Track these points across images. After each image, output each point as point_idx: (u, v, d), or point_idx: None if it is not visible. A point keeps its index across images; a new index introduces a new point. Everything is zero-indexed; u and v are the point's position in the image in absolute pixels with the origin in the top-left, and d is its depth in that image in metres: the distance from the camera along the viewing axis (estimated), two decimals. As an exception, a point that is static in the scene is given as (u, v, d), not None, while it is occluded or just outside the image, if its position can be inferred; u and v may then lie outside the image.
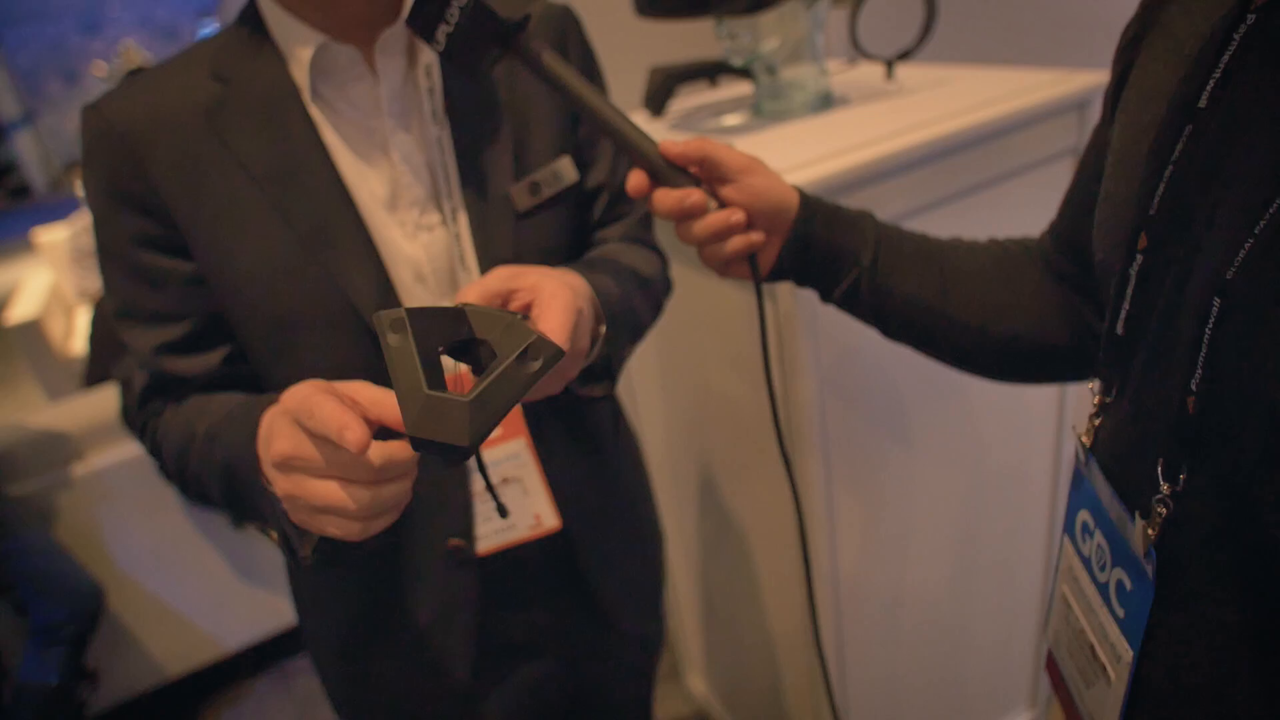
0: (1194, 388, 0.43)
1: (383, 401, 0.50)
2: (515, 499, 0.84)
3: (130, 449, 2.01)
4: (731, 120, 1.23)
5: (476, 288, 0.60)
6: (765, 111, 1.20)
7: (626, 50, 1.34)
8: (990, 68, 1.29)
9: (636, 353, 0.83)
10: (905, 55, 1.19)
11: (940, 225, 0.81)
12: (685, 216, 0.67)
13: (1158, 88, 0.53)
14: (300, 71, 0.73)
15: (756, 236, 0.69)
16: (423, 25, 0.63)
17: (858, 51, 1.16)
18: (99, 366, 2.56)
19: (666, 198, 0.66)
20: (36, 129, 12.85)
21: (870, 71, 1.35)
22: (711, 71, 1.29)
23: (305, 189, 0.73)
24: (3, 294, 4.28)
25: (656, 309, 0.86)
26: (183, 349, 0.75)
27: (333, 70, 0.74)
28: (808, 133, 1.11)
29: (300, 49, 0.72)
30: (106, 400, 2.07)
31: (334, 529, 0.52)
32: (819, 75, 1.17)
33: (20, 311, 3.65)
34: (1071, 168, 1.22)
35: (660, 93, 1.25)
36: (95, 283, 3.71)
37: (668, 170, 0.66)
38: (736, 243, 0.68)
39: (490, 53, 0.64)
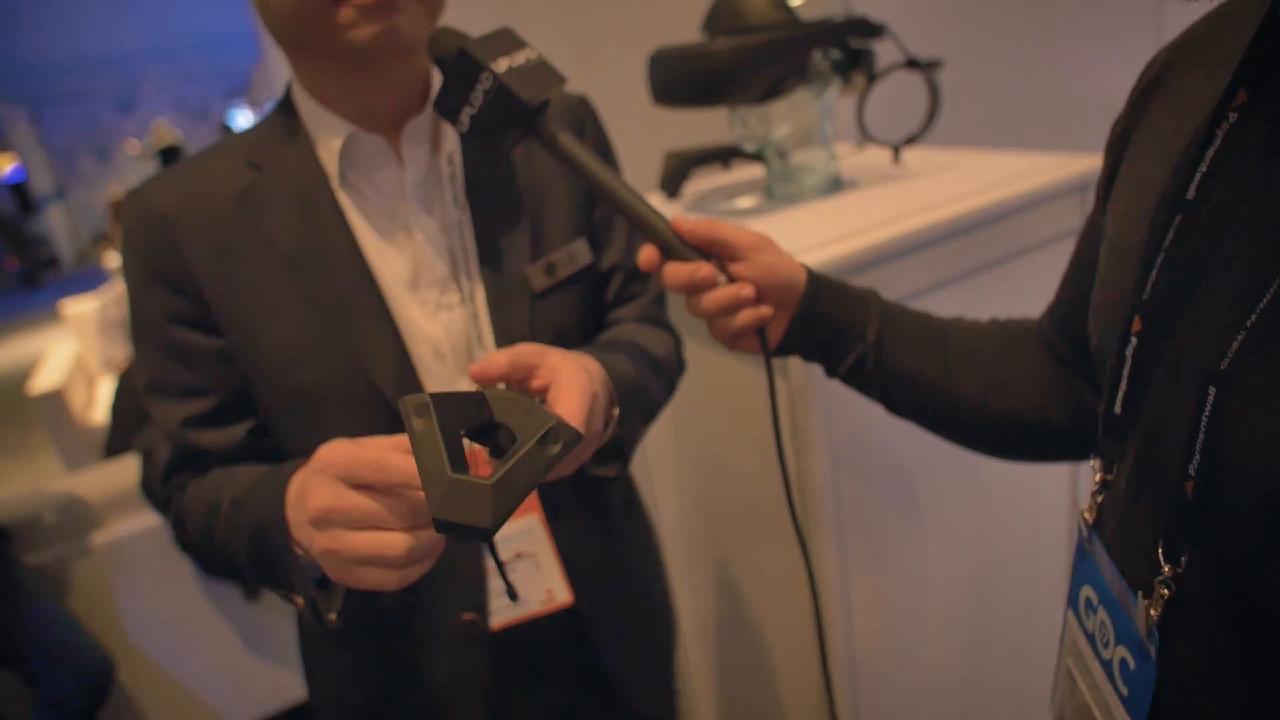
0: (1192, 473, 0.44)
1: (409, 469, 0.52)
2: (528, 574, 0.85)
3: (148, 520, 2.03)
4: (745, 202, 1.27)
5: (508, 354, 0.62)
6: (777, 194, 1.24)
7: (643, 136, 1.39)
8: (992, 152, 1.33)
9: (650, 429, 0.85)
10: (911, 140, 1.23)
11: (947, 305, 0.84)
12: (695, 290, 0.69)
13: (1147, 180, 0.56)
14: (330, 159, 0.77)
15: (765, 310, 0.71)
16: (448, 107, 0.66)
17: (865, 137, 1.21)
18: (120, 437, 2.59)
19: (677, 271, 0.68)
20: (67, 203, 13.27)
21: (877, 155, 1.39)
22: (724, 156, 1.34)
23: (330, 269, 0.76)
24: (28, 363, 4.35)
25: (670, 389, 0.88)
26: (209, 423, 0.78)
27: (361, 157, 0.78)
28: (819, 215, 1.15)
29: (331, 138, 0.77)
30: (126, 470, 2.09)
31: (374, 579, 0.53)
32: (829, 160, 1.22)
33: (44, 381, 3.72)
34: (1072, 251, 1.25)
35: (676, 176, 1.30)
36: (120, 353, 3.78)
37: (679, 245, 0.68)
38: (746, 316, 0.70)
39: (511, 134, 0.67)
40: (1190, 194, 0.48)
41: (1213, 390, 0.42)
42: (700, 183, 1.44)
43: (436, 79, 0.81)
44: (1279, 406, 0.40)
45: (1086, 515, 0.59)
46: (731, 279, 0.70)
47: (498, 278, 0.81)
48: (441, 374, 0.80)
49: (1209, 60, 0.55)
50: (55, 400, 3.64)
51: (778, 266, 0.71)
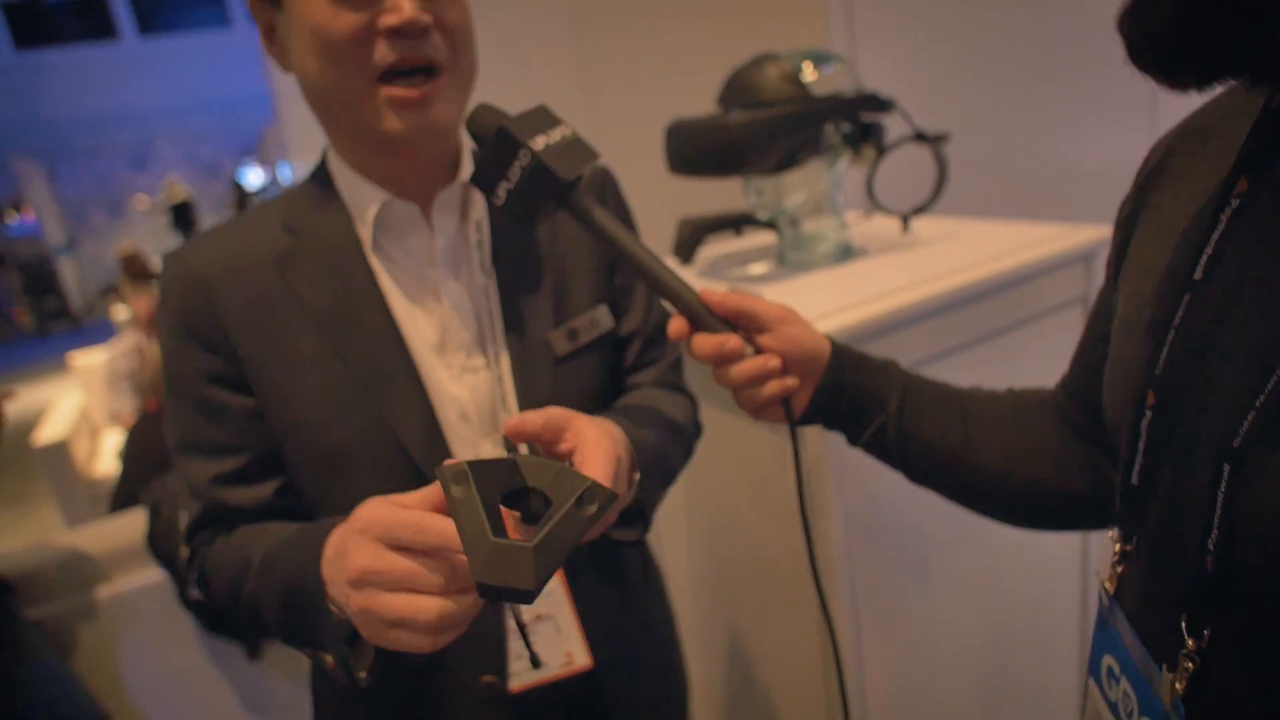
0: (1211, 548, 0.45)
1: (448, 532, 0.53)
2: (548, 636, 0.85)
3: (152, 575, 2.02)
4: (757, 269, 1.30)
5: (540, 415, 0.64)
6: (789, 261, 1.27)
7: (657, 202, 1.43)
8: (997, 221, 1.37)
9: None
10: (920, 210, 1.27)
11: (956, 372, 0.86)
12: (723, 361, 0.71)
13: (1155, 260, 0.58)
14: (364, 225, 0.80)
15: (791, 381, 0.72)
16: (485, 181, 0.68)
17: (875, 206, 1.24)
18: (128, 491, 2.59)
19: (706, 342, 0.70)
20: (78, 256, 13.42)
21: (886, 223, 1.43)
22: (737, 223, 1.37)
23: (362, 332, 0.78)
24: (34, 414, 4.36)
25: (687, 454, 0.89)
26: (239, 480, 0.79)
27: (393, 224, 0.81)
28: (830, 283, 1.17)
29: (366, 204, 0.79)
30: (131, 525, 2.09)
31: (407, 641, 0.54)
32: (839, 228, 1.25)
33: (49, 433, 3.73)
34: (1080, 316, 1.28)
35: (689, 242, 1.33)
36: (127, 406, 3.79)
37: (707, 317, 0.70)
38: (773, 387, 0.71)
39: (545, 207, 0.69)
40: (1198, 275, 0.51)
41: (1227, 467, 0.44)
42: (713, 248, 1.48)
43: (468, 149, 0.85)
44: None
45: (1107, 585, 0.59)
46: (758, 350, 0.71)
47: (522, 343, 0.83)
48: (466, 436, 0.82)
49: (1210, 148, 0.58)
50: (59, 452, 3.65)
51: (803, 338, 0.73)
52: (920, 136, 1.19)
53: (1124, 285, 0.63)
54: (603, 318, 0.88)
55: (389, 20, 0.69)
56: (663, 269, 0.70)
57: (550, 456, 0.66)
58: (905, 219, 1.28)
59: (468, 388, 0.82)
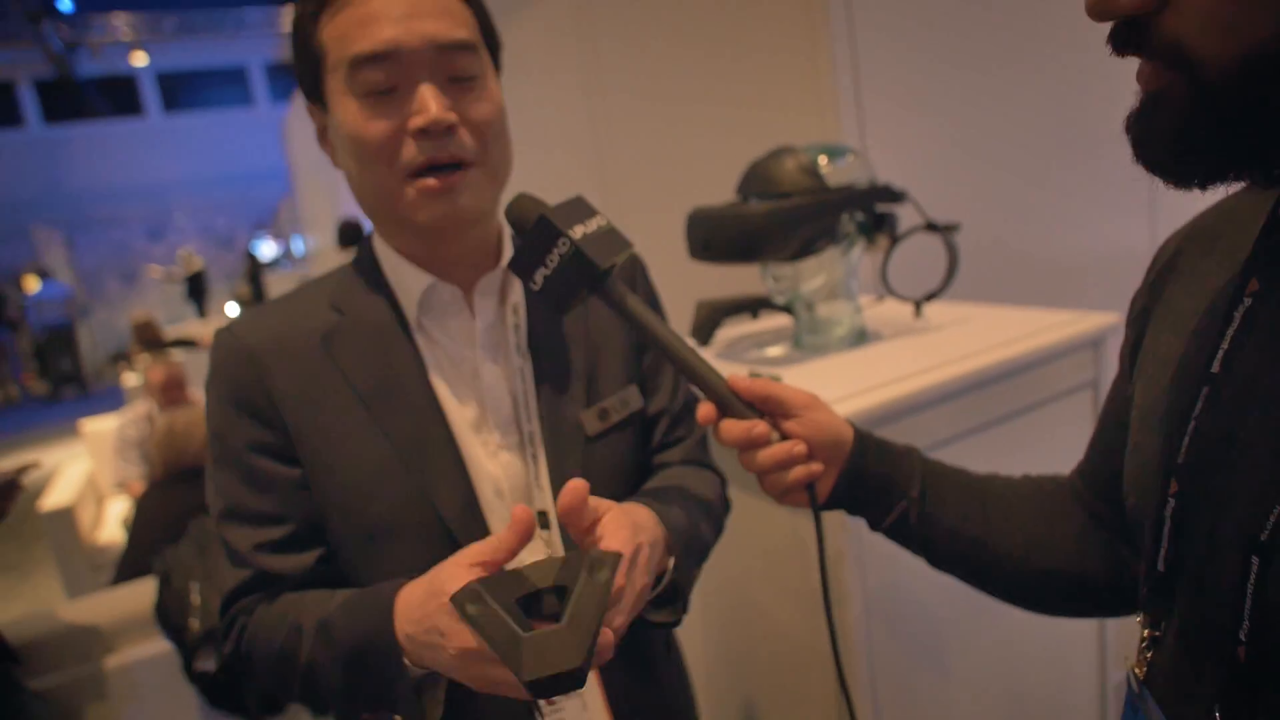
0: (1243, 638, 0.47)
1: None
2: (574, 714, 0.85)
3: (157, 646, 2.00)
4: (773, 351, 1.33)
5: (573, 497, 0.67)
6: (804, 345, 1.31)
7: (676, 283, 1.48)
8: (1007, 307, 1.41)
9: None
10: (932, 296, 1.31)
11: (969, 455, 0.88)
12: (750, 446, 0.73)
13: (1170, 354, 0.61)
14: (408, 306, 0.83)
15: (816, 467, 0.74)
16: (524, 268, 0.71)
17: (888, 292, 1.28)
18: (136, 560, 2.56)
19: (734, 428, 0.72)
20: (90, 323, 13.59)
21: (899, 307, 1.47)
22: (754, 307, 1.42)
23: (405, 409, 0.81)
24: (40, 479, 4.36)
25: (718, 530, 0.91)
26: (282, 549, 0.81)
27: (436, 306, 0.84)
28: (846, 366, 1.21)
29: (410, 287, 0.83)
30: (137, 595, 2.08)
31: (499, 675, 0.60)
32: (854, 313, 1.29)
33: (55, 499, 3.73)
34: (1089, 401, 1.31)
35: (707, 324, 1.37)
36: (136, 473, 3.80)
37: (736, 403, 0.72)
38: (798, 472, 0.73)
39: (580, 293, 0.72)
40: (1215, 368, 0.54)
41: (1256, 560, 0.46)
42: (729, 330, 1.52)
43: (509, 235, 0.89)
44: None
45: (1137, 671, 0.60)
46: (784, 436, 0.73)
47: (555, 422, 0.86)
48: (501, 511, 0.83)
49: (1219, 248, 0.61)
50: (64, 518, 3.63)
51: (828, 424, 0.75)
52: (932, 226, 1.24)
53: (1140, 377, 0.65)
54: (633, 398, 0.91)
55: (416, 122, 0.74)
56: (692, 355, 0.72)
57: (580, 539, 0.69)
58: (918, 304, 1.32)
59: (503, 465, 0.84)
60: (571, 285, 0.71)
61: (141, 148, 14.36)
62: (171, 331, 7.21)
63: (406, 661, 0.67)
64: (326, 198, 9.32)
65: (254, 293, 11.75)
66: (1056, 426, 1.26)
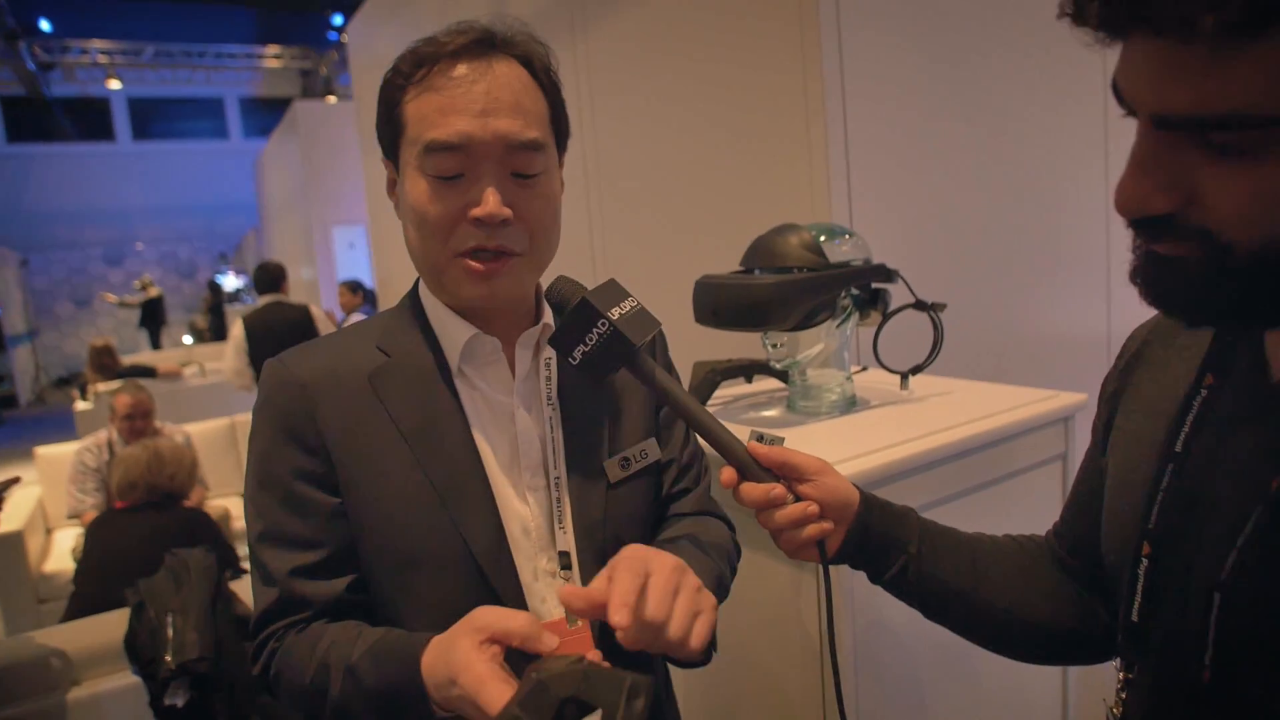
0: (1207, 662, 0.56)
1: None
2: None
3: (123, 679, 1.97)
4: (768, 414, 1.41)
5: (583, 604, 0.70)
6: (798, 409, 1.39)
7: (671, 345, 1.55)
8: (982, 382, 1.51)
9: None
10: (917, 369, 1.40)
11: (948, 519, 0.93)
12: (768, 507, 0.81)
13: (1140, 432, 0.71)
14: (451, 353, 0.90)
15: (827, 525, 0.82)
16: (564, 345, 0.79)
17: (879, 364, 1.38)
18: (88, 594, 2.51)
19: (754, 490, 0.80)
20: (34, 345, 13.22)
21: (885, 377, 1.56)
22: (749, 371, 1.50)
23: (444, 447, 0.87)
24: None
25: (734, 571, 0.98)
26: (315, 574, 0.85)
27: (477, 355, 0.91)
28: (837, 432, 1.29)
29: (454, 337, 0.89)
30: (103, 626, 2.05)
31: None
32: (845, 381, 1.38)
33: (2, 524, 3.62)
34: (1059, 473, 1.41)
35: (706, 385, 1.45)
36: (90, 501, 3.71)
37: (755, 467, 0.80)
38: (811, 530, 0.81)
39: (613, 367, 0.80)
40: (1178, 447, 0.64)
41: (1218, 596, 0.56)
42: (723, 390, 1.60)
43: (544, 296, 0.96)
44: (1265, 603, 0.53)
45: (1115, 710, 0.68)
46: (799, 498, 0.81)
47: (580, 468, 0.92)
48: (527, 550, 0.89)
49: (1178, 343, 0.72)
50: (12, 544, 3.53)
51: (837, 488, 0.83)
52: (920, 304, 1.34)
53: (1114, 451, 0.75)
54: (651, 449, 0.98)
55: (474, 213, 0.81)
56: (714, 424, 0.81)
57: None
58: (904, 376, 1.42)
59: (531, 506, 0.90)
60: (608, 361, 0.79)
61: (108, 172, 14.22)
62: (126, 360, 7.08)
63: (434, 705, 0.72)
64: (292, 234, 9.34)
65: (214, 325, 11.58)
66: (1029, 494, 1.35)
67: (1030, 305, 2.16)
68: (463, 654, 0.68)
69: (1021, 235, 2.12)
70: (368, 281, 7.90)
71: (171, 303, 13.03)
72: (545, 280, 0.94)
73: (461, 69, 0.81)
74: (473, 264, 0.83)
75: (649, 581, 0.70)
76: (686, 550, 0.88)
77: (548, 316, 0.93)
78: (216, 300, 12.02)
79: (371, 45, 5.18)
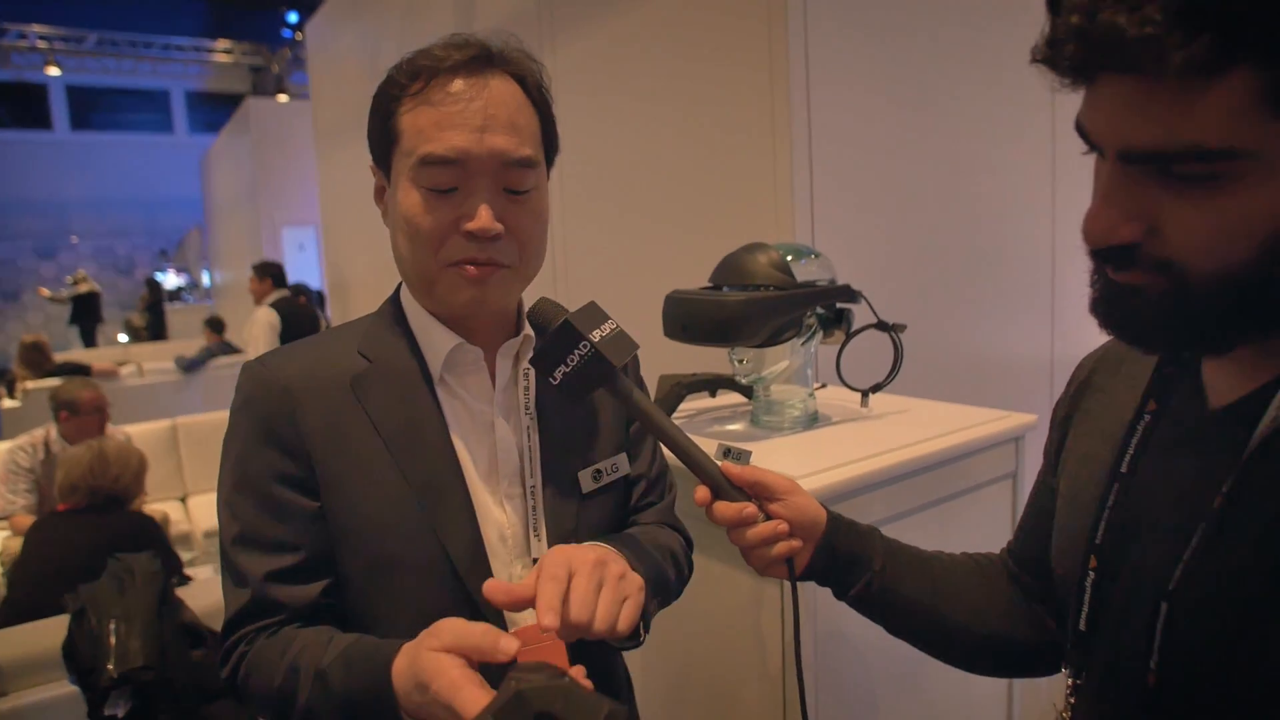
0: (1153, 667, 0.60)
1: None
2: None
3: (59, 689, 1.90)
4: (731, 428, 1.44)
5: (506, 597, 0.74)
6: (761, 423, 1.42)
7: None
8: (939, 402, 1.56)
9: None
10: (877, 388, 1.45)
11: (902, 535, 0.97)
12: (740, 525, 0.83)
13: (1089, 453, 0.76)
14: (433, 361, 0.90)
15: (796, 543, 0.85)
16: (545, 365, 0.81)
17: (840, 381, 1.41)
18: (20, 600, 2.41)
19: (727, 509, 0.83)
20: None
21: (846, 394, 1.60)
22: (713, 386, 1.53)
23: (425, 454, 0.88)
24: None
25: (681, 582, 1.00)
26: (290, 578, 0.85)
27: (459, 364, 0.92)
28: (799, 447, 1.32)
29: (437, 345, 0.90)
30: (40, 633, 1.98)
31: None
32: (808, 398, 1.41)
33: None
34: (1009, 490, 1.46)
35: (671, 398, 1.47)
36: (22, 503, 3.57)
37: (728, 487, 0.83)
38: (780, 548, 0.84)
39: (593, 387, 0.82)
40: (1124, 469, 0.69)
41: (1164, 606, 0.60)
42: (687, 404, 1.62)
43: (526, 309, 0.98)
44: (1210, 614, 0.58)
45: (1065, 715, 0.72)
46: (769, 517, 0.84)
47: (555, 478, 0.93)
48: (503, 556, 0.90)
49: (1124, 371, 0.77)
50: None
51: (806, 507, 0.86)
52: (882, 325, 1.38)
53: (1064, 471, 0.80)
54: (622, 463, 1.00)
55: (467, 226, 0.83)
56: (689, 443, 0.83)
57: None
58: (865, 394, 1.46)
59: (508, 513, 0.91)
60: (588, 381, 0.81)
61: (43, 162, 13.71)
62: (59, 357, 6.83)
63: (405, 717, 0.72)
64: (241, 236, 9.13)
65: (152, 324, 11.23)
66: (981, 511, 1.40)
67: (980, 330, 2.24)
68: (432, 661, 0.68)
69: (974, 265, 2.20)
70: (315, 283, 7.77)
71: (106, 300, 12.59)
72: (527, 300, 0.95)
73: (459, 84, 0.83)
74: (465, 268, 0.84)
75: (572, 582, 0.72)
76: (629, 540, 0.91)
77: (528, 328, 0.94)
78: (155, 298, 11.65)
79: (331, 45, 5.12)
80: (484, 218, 0.82)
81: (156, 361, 7.29)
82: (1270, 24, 0.45)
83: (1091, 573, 0.69)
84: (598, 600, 0.73)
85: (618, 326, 0.83)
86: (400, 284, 0.96)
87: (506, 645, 0.67)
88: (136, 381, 6.69)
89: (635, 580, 0.78)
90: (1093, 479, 0.73)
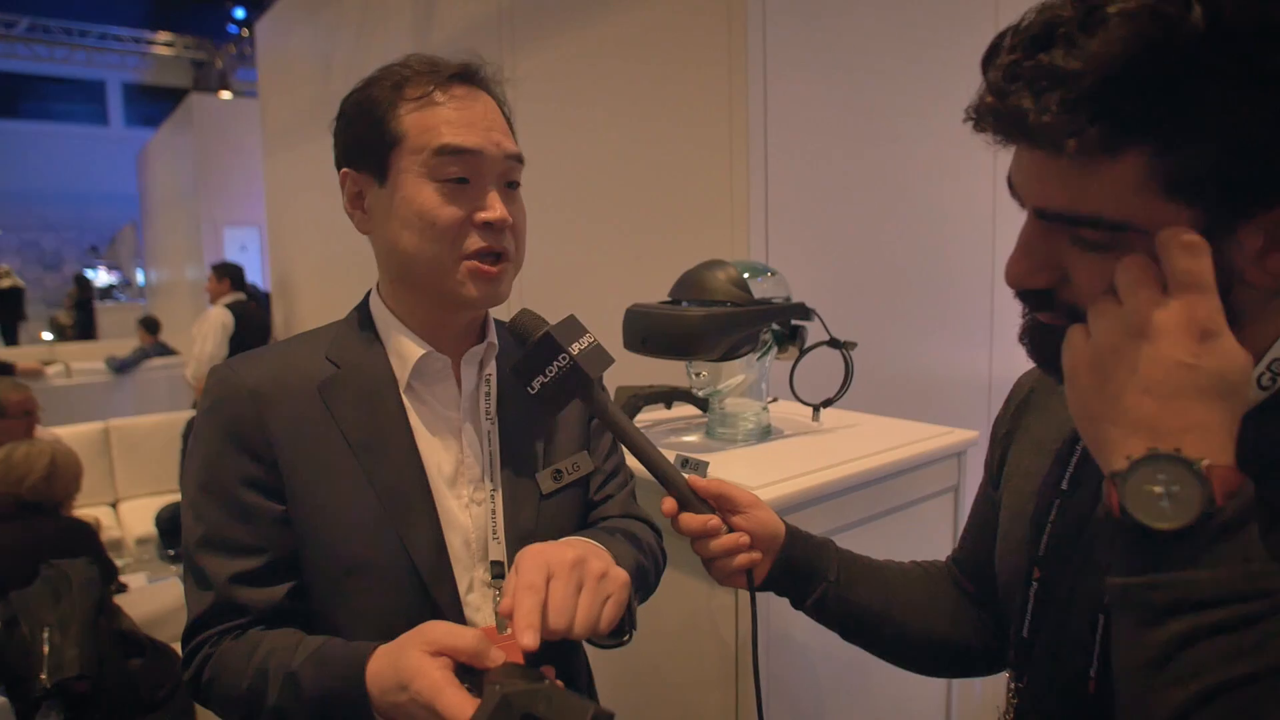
0: (1092, 675, 0.65)
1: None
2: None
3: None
4: (687, 439, 1.47)
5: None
6: (716, 435, 1.46)
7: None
8: (886, 417, 1.62)
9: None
10: (828, 403, 1.50)
11: (852, 544, 1.01)
12: (704, 536, 0.86)
13: (1030, 469, 0.81)
14: (401, 368, 0.92)
15: (756, 555, 0.88)
16: (525, 374, 0.84)
17: (793, 396, 1.46)
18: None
19: (692, 520, 0.86)
20: None
21: (798, 408, 1.65)
22: (669, 398, 1.56)
23: (391, 460, 0.89)
24: None
25: (659, 572, 1.02)
26: (255, 581, 0.85)
27: (427, 372, 0.93)
28: (753, 459, 1.36)
29: (406, 353, 0.91)
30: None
31: None
32: (762, 411, 1.46)
33: None
34: (951, 503, 1.52)
35: (628, 409, 1.50)
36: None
37: (693, 499, 0.86)
38: (741, 559, 0.87)
39: (569, 398, 0.85)
40: (1065, 486, 0.74)
41: (1103, 618, 0.65)
42: (644, 415, 1.65)
43: (491, 317, 0.99)
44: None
45: (1007, 716, 0.77)
46: (731, 529, 0.87)
47: (514, 480, 0.95)
48: (466, 560, 0.91)
49: (1060, 389, 0.81)
50: None
51: (767, 520, 0.90)
52: (834, 342, 1.43)
53: (1007, 486, 0.84)
54: (583, 462, 1.02)
55: (485, 216, 0.86)
56: (658, 456, 0.86)
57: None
58: (816, 409, 1.50)
59: (472, 517, 0.92)
60: (564, 392, 0.85)
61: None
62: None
63: (376, 713, 0.73)
64: (178, 236, 8.87)
65: (80, 322, 10.83)
66: (926, 522, 1.46)
67: (926, 349, 2.32)
68: (415, 661, 0.69)
69: (921, 288, 2.29)
70: (260, 283, 7.60)
71: (30, 296, 12.10)
72: (506, 312, 0.97)
73: (460, 90, 0.88)
74: (483, 266, 0.87)
75: (550, 585, 0.73)
76: (616, 539, 0.93)
77: (492, 335, 0.97)
78: (84, 296, 11.24)
79: (282, 45, 5.04)
80: (499, 208, 0.87)
81: (85, 361, 7.03)
82: (1151, 116, 0.51)
83: (1035, 583, 0.74)
84: (577, 602, 0.74)
85: (595, 340, 0.86)
86: (369, 291, 0.97)
87: (496, 656, 0.70)
88: (64, 382, 6.45)
89: (618, 577, 0.79)
90: (1034, 493, 0.77)
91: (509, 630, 0.86)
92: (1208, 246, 0.52)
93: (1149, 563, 0.50)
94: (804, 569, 0.91)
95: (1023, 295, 0.62)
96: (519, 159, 0.91)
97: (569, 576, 0.74)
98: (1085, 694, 0.65)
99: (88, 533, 2.53)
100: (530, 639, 0.68)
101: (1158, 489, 0.49)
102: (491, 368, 0.97)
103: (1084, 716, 0.66)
